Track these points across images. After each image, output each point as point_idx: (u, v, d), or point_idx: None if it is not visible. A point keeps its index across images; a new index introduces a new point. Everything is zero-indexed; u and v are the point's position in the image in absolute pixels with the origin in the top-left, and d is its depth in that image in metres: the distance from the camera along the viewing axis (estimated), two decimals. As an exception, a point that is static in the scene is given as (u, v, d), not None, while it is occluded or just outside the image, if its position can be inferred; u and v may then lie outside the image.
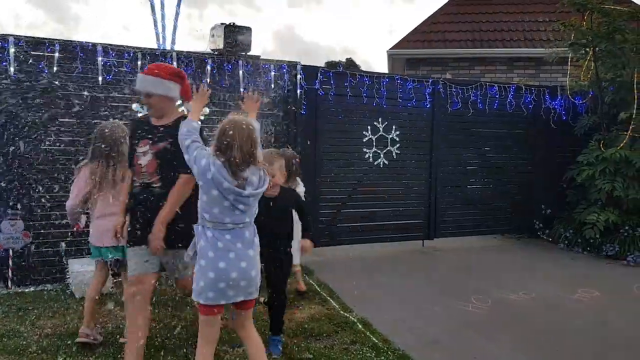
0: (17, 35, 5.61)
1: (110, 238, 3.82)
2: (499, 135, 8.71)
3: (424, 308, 5.23)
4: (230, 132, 3.01)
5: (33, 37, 5.73)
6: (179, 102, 3.77)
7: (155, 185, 3.41)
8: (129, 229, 3.53)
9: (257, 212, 3.22)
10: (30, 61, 5.65)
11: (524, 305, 5.44)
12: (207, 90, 3.47)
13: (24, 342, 4.09)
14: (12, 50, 5.52)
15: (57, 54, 5.72)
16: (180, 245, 3.35)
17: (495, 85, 8.61)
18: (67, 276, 5.52)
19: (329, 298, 5.43)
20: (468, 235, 8.66)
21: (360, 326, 4.65)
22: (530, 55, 12.01)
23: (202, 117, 3.89)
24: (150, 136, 3.46)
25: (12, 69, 5.53)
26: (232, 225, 3.08)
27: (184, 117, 3.45)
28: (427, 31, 12.98)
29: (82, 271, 5.27)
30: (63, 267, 5.69)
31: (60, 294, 5.32)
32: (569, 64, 8.89)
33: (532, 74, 11.99)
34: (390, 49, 12.63)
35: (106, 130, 4.06)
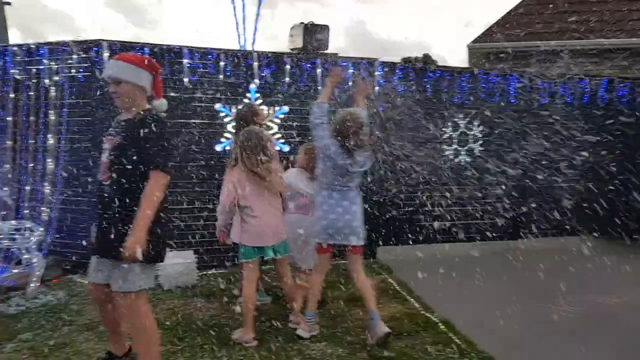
0: (110, 40, 5.92)
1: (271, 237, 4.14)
2: (588, 130, 8.24)
3: (508, 310, 5.03)
4: (349, 124, 4.05)
5: (124, 42, 6.03)
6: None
7: (105, 184, 3.13)
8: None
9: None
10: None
11: (615, 310, 5.13)
12: (337, 73, 4.41)
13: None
14: (105, 54, 5.84)
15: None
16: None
17: (586, 78, 8.16)
18: (157, 268, 5.75)
19: (409, 297, 5.36)
20: (555, 235, 8.27)
21: (442, 327, 4.56)
22: (623, 46, 11.28)
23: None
24: (112, 132, 3.25)
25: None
26: (340, 188, 4.19)
27: (149, 111, 3.24)
28: (510, 23, 12.51)
29: (170, 264, 5.48)
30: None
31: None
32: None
33: (624, 66, 11.28)
34: (471, 42, 12.30)
35: (249, 134, 4.19)
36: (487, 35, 12.40)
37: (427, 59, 7.84)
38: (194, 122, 6.23)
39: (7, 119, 6.16)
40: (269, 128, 6.45)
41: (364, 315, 4.72)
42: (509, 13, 12.92)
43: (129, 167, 3.06)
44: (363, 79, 4.60)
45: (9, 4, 14.67)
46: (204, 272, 5.96)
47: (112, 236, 3.04)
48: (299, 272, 4.79)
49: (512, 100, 7.78)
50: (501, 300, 5.34)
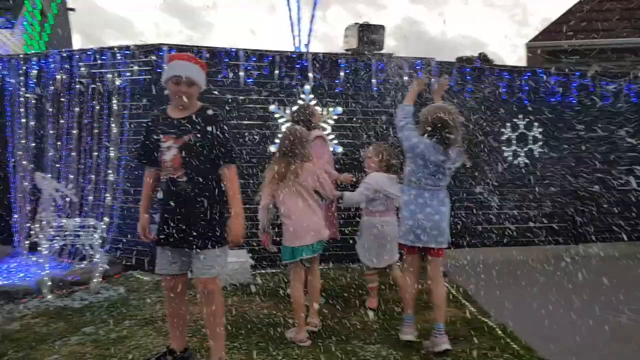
0: (169, 44, 6.09)
1: (310, 236, 4.15)
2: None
3: (568, 317, 4.85)
4: (440, 118, 3.90)
5: (182, 45, 6.18)
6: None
7: (180, 180, 3.31)
8: (158, 226, 3.48)
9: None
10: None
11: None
12: (423, 79, 4.43)
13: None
14: (165, 57, 5.99)
15: (204, 60, 6.10)
16: (209, 246, 3.33)
17: (653, 76, 7.79)
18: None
19: (465, 301, 5.26)
20: (618, 241, 7.91)
21: (499, 332, 4.44)
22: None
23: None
24: (172, 130, 3.36)
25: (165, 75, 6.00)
26: (431, 187, 4.02)
27: (204, 108, 3.42)
28: (571, 21, 12.08)
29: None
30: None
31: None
32: None
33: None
34: (530, 41, 11.97)
35: (292, 131, 4.28)
36: (547, 33, 12.03)
37: (483, 58, 7.65)
38: (249, 123, 6.32)
39: (73, 120, 6.44)
40: (323, 129, 6.47)
41: (419, 317, 4.68)
42: (569, 10, 12.49)
43: (205, 162, 3.31)
44: (442, 76, 4.50)
45: (73, 10, 15.34)
46: (258, 271, 6.03)
47: (195, 228, 3.29)
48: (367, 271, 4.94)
49: (574, 100, 7.51)
50: (561, 306, 5.15)
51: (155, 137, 3.42)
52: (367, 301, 4.99)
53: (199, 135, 3.30)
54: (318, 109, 6.39)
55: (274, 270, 6.15)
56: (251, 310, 4.89)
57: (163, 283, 3.58)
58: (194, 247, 3.34)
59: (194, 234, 3.31)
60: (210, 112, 3.40)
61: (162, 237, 3.42)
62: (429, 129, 3.95)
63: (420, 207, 4.00)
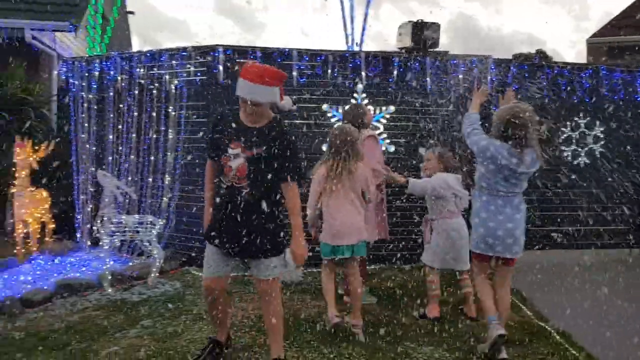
0: (225, 45, 6.20)
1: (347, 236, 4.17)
2: None
3: (630, 324, 4.65)
4: (513, 119, 3.68)
5: (238, 46, 6.29)
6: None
7: (244, 191, 3.30)
8: (210, 228, 3.48)
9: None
10: (236, 68, 6.20)
11: None
12: (486, 89, 4.33)
13: (231, 320, 4.48)
14: (221, 58, 6.12)
15: (258, 60, 6.20)
16: (268, 254, 3.39)
17: None
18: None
19: (521, 305, 5.12)
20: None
21: (557, 337, 4.30)
22: None
23: (294, 107, 3.84)
24: (243, 138, 3.33)
25: (221, 76, 6.13)
26: (504, 193, 3.81)
27: (275, 119, 3.41)
28: (633, 15, 11.58)
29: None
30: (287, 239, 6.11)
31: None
32: None
33: None
34: (590, 37, 11.54)
35: (337, 132, 4.30)
36: (608, 28, 11.57)
37: (542, 54, 7.39)
38: (301, 123, 6.36)
39: (133, 120, 6.65)
40: (376, 128, 6.44)
41: (472, 320, 4.60)
42: (633, 4, 11.98)
43: (270, 176, 3.32)
44: (480, 83, 4.38)
45: (132, 13, 15.84)
46: (309, 270, 6.05)
47: (252, 239, 3.33)
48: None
49: (638, 98, 7.19)
50: (623, 313, 4.95)
51: (224, 139, 3.39)
52: (429, 310, 4.72)
53: (268, 150, 3.29)
54: (370, 108, 6.37)
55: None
56: (302, 308, 4.92)
57: (204, 283, 3.56)
58: (250, 256, 3.42)
59: (251, 244, 3.34)
60: (281, 126, 3.40)
61: (215, 240, 3.43)
62: (502, 129, 3.77)
63: (492, 215, 3.83)
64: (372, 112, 6.26)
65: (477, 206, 3.94)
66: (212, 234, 3.43)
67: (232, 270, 3.59)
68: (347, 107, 5.61)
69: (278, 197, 3.40)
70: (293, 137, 3.46)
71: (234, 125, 3.39)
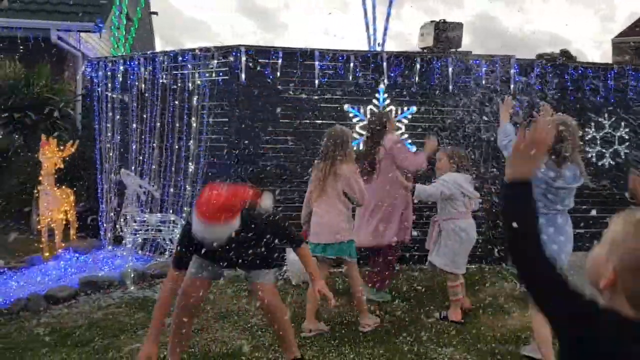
0: (247, 45, 6.23)
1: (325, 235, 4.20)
2: None
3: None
4: (555, 138, 3.38)
5: (259, 46, 6.31)
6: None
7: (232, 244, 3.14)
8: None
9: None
10: (258, 68, 6.23)
11: None
12: (510, 100, 4.17)
13: (252, 320, 4.52)
14: (243, 58, 6.15)
15: (280, 61, 6.22)
16: (264, 266, 3.44)
17: None
18: (285, 263, 5.95)
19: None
20: None
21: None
22: None
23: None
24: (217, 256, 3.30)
25: (243, 76, 6.16)
26: (545, 210, 3.53)
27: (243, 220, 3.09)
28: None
29: (298, 260, 5.62)
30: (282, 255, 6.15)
31: (279, 279, 5.76)
32: None
33: None
34: (616, 36, 11.36)
35: (333, 132, 4.35)
36: (634, 28, 11.37)
37: (566, 55, 7.30)
38: (323, 123, 6.36)
39: (156, 120, 6.72)
40: (398, 128, 6.42)
41: (493, 322, 4.55)
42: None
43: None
44: (506, 98, 4.33)
45: (156, 14, 16.00)
46: (331, 270, 6.04)
47: (245, 258, 3.29)
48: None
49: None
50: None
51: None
52: (451, 314, 4.62)
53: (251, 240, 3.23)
54: (392, 108, 6.37)
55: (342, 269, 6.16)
56: (322, 308, 4.92)
57: (184, 284, 3.33)
58: (248, 268, 3.48)
59: (245, 262, 3.35)
60: (249, 221, 3.15)
61: (205, 256, 3.30)
62: None
63: None
64: (393, 115, 6.24)
65: None
66: (205, 254, 3.26)
67: (212, 276, 3.52)
68: (369, 115, 5.58)
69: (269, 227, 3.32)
70: (266, 217, 3.30)
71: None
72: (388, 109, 6.41)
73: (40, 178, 6.22)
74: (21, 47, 8.37)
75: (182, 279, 3.26)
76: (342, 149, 4.26)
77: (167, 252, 5.98)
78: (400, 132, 6.42)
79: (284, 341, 3.56)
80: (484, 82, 6.52)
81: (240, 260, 3.32)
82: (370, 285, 5.08)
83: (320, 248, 4.28)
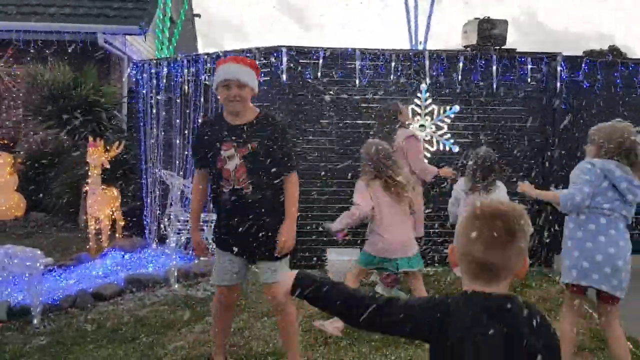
0: (287, 46, 6.25)
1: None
2: None
3: None
4: (620, 139, 3.24)
5: (300, 47, 6.31)
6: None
7: (245, 192, 3.20)
8: (217, 235, 3.42)
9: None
10: (299, 69, 6.25)
11: None
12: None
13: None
14: (284, 59, 6.17)
15: (320, 61, 6.21)
16: (273, 259, 3.30)
17: None
18: (325, 264, 5.95)
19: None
20: None
21: (630, 346, 4.08)
22: None
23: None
24: (233, 137, 3.21)
25: (284, 77, 6.19)
26: (610, 212, 3.24)
27: (263, 113, 3.30)
28: None
29: (338, 260, 5.63)
30: (322, 255, 6.15)
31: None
32: None
33: None
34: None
35: (374, 147, 4.15)
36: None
37: (615, 51, 7.06)
38: (364, 123, 6.32)
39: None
40: (439, 128, 6.33)
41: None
42: None
43: (269, 171, 3.22)
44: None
45: (198, 16, 16.26)
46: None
47: (260, 240, 3.25)
48: None
49: None
50: None
51: (213, 142, 3.27)
52: None
53: (261, 143, 3.19)
54: (434, 107, 6.29)
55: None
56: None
57: (217, 293, 3.55)
58: (259, 258, 3.35)
59: (259, 246, 3.28)
60: (268, 118, 3.30)
61: (224, 245, 3.38)
62: (612, 149, 3.27)
63: (590, 235, 3.25)
64: (408, 110, 5.99)
65: (572, 226, 3.36)
66: (223, 238, 3.38)
67: (242, 279, 3.53)
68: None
69: (282, 197, 3.29)
70: (284, 126, 3.41)
71: (221, 126, 3.29)
72: (430, 108, 6.33)
73: (88, 178, 6.39)
74: (70, 51, 8.64)
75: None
76: (391, 161, 4.15)
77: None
78: (442, 131, 6.33)
79: (291, 354, 3.50)
80: (529, 80, 6.36)
81: (257, 239, 3.23)
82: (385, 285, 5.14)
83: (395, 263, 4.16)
